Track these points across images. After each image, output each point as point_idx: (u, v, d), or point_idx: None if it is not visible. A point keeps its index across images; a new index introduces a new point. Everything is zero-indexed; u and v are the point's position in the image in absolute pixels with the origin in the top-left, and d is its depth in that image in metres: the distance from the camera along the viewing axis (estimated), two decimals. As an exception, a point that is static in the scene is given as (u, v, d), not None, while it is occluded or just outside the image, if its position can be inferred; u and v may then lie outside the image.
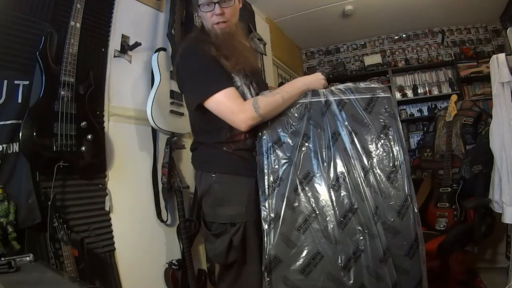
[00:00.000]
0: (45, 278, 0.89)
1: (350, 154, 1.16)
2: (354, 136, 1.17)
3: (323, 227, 1.11)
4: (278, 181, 1.15)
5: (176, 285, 1.78)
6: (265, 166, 1.17)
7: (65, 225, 1.32)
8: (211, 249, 1.26)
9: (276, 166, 1.17)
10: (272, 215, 1.12)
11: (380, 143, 1.17)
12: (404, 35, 4.61)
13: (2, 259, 0.92)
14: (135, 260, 1.71)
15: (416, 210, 1.12)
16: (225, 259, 1.21)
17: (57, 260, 1.30)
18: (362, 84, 1.26)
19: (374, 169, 1.15)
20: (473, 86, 4.23)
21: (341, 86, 1.25)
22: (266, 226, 1.12)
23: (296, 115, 1.22)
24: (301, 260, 1.09)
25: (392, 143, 1.17)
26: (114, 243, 1.60)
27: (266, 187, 1.15)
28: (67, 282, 0.87)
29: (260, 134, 1.22)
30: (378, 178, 1.14)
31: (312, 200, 1.13)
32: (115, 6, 1.78)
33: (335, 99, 1.22)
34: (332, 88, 1.26)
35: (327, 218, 1.12)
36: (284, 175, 1.15)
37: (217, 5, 1.19)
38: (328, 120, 1.20)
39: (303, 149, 1.18)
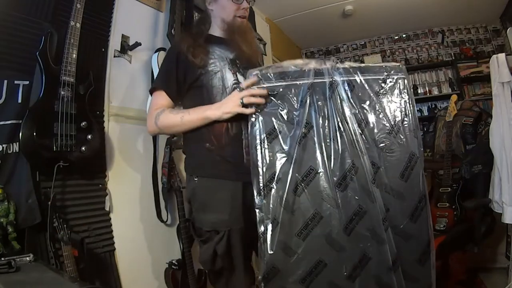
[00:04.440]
0: (45, 278, 0.88)
1: (359, 147, 0.99)
2: (364, 126, 1.02)
3: (327, 233, 0.98)
4: (275, 179, 0.99)
5: (176, 285, 1.77)
6: (259, 162, 1.00)
7: (65, 225, 1.32)
8: (199, 255, 1.24)
9: (272, 161, 1.00)
10: (269, 218, 0.97)
11: (394, 133, 1.02)
12: (404, 35, 4.60)
13: (2, 259, 0.92)
14: (135, 260, 1.71)
15: (429, 212, 1.01)
16: (211, 266, 1.18)
17: (57, 260, 1.30)
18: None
19: (386, 165, 1.00)
20: (473, 86, 4.22)
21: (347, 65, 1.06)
22: (261, 231, 0.98)
23: (296, 99, 1.02)
24: (302, 269, 0.97)
25: (407, 134, 1.02)
26: (114, 243, 1.60)
27: (261, 186, 0.99)
28: (67, 282, 0.87)
29: (250, 123, 1.04)
30: (390, 175, 1.00)
31: (314, 201, 0.99)
32: (115, 6, 1.78)
33: (342, 80, 1.03)
34: (338, 65, 1.06)
35: (331, 223, 0.98)
36: (282, 172, 0.99)
37: (245, 1, 1.28)
38: (333, 106, 1.02)
39: (304, 141, 1.00)
